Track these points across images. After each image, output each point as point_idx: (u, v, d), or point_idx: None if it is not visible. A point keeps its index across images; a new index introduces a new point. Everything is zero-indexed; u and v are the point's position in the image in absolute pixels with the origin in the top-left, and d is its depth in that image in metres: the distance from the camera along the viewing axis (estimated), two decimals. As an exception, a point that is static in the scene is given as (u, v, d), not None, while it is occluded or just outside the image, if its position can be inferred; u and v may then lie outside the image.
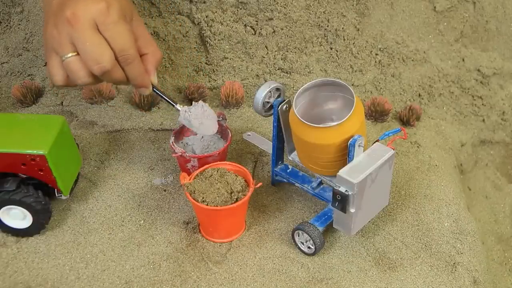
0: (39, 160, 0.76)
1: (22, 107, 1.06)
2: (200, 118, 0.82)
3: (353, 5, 1.08)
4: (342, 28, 1.08)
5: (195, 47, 1.09)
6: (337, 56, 1.10)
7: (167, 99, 0.82)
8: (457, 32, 1.14)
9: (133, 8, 0.78)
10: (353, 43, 1.09)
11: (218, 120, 0.91)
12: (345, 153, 0.74)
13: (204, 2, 1.05)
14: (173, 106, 0.82)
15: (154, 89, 0.80)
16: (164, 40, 1.08)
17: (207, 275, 0.76)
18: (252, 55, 1.09)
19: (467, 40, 1.15)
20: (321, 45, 1.09)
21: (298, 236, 0.79)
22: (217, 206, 0.76)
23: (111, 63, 0.70)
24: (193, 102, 0.83)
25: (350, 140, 0.72)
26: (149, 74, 0.78)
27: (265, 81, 1.08)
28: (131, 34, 0.73)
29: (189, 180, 0.79)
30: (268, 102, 0.81)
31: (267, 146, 0.89)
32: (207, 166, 0.81)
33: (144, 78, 0.77)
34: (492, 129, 1.18)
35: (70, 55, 0.70)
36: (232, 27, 1.06)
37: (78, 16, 0.68)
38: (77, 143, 0.87)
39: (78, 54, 0.70)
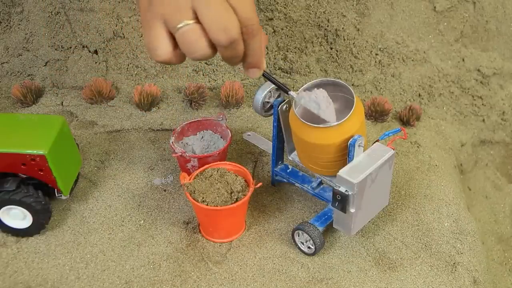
0: (39, 160, 0.76)
1: (22, 107, 1.06)
2: (325, 102, 0.75)
3: (353, 5, 1.08)
4: (342, 28, 1.08)
5: (195, 47, 1.09)
6: (337, 56, 1.10)
7: (279, 83, 0.75)
8: (457, 32, 1.14)
9: None
10: (353, 43, 1.09)
11: (218, 120, 0.91)
12: (345, 153, 0.74)
13: (204, 2, 1.05)
14: (286, 92, 0.75)
15: (264, 72, 0.71)
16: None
17: (207, 275, 0.76)
18: (252, 55, 1.08)
19: (467, 40, 1.15)
20: (321, 45, 1.09)
21: (298, 236, 0.79)
22: (217, 206, 0.76)
23: (238, 33, 0.62)
24: (310, 90, 0.76)
25: (350, 140, 0.72)
26: (264, 52, 0.69)
27: (265, 81, 1.08)
28: (254, 6, 0.64)
29: (189, 180, 0.79)
30: (268, 102, 0.81)
31: (267, 146, 0.89)
32: (207, 166, 0.81)
33: (262, 56, 0.68)
34: (492, 129, 1.19)
35: (188, 22, 0.61)
36: (232, 27, 1.06)
37: None
38: (77, 143, 0.87)
39: (197, 22, 0.61)
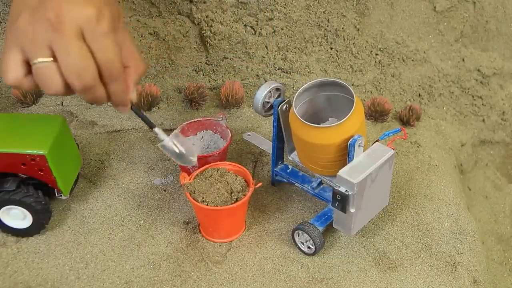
0: (39, 160, 0.76)
1: (22, 107, 1.06)
2: (185, 146, 0.74)
3: (353, 5, 1.08)
4: (342, 28, 1.08)
5: (195, 47, 1.09)
6: (337, 56, 1.10)
7: (145, 120, 0.73)
8: (457, 32, 1.14)
9: (121, 14, 0.69)
10: (353, 43, 1.09)
11: (218, 120, 0.91)
12: (345, 153, 0.74)
13: (204, 2, 1.05)
14: (151, 128, 0.73)
15: (132, 107, 0.70)
16: (164, 40, 1.08)
17: (207, 275, 0.76)
18: (252, 55, 1.09)
19: (467, 40, 1.15)
20: (321, 45, 1.09)
21: (298, 236, 0.79)
22: (217, 206, 0.76)
23: (94, 79, 0.62)
24: (174, 132, 0.75)
25: (350, 140, 0.72)
26: (129, 90, 0.69)
27: (265, 81, 1.09)
28: (119, 48, 0.64)
29: (189, 180, 0.79)
30: (268, 102, 0.81)
31: (267, 146, 0.89)
32: (207, 166, 0.81)
33: (125, 96, 0.68)
34: (492, 129, 1.19)
35: (45, 60, 0.61)
36: (232, 27, 1.06)
37: (63, 20, 0.59)
38: (77, 143, 0.87)
39: (54, 60, 0.61)
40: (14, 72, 0.62)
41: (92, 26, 0.60)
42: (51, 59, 0.61)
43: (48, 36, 0.60)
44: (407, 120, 1.06)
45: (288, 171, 0.87)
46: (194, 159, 0.73)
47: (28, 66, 0.62)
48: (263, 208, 0.86)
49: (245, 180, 0.80)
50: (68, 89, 0.63)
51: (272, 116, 0.81)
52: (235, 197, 0.77)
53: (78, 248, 0.80)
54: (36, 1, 0.61)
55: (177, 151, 0.72)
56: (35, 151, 0.75)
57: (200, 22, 1.07)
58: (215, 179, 0.79)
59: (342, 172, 0.71)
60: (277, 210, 0.86)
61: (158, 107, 1.05)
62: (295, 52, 1.09)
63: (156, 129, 0.72)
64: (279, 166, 0.87)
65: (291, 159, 0.85)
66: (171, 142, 0.72)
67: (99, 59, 0.62)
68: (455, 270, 0.78)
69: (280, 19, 1.06)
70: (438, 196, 0.89)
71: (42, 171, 0.77)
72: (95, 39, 0.61)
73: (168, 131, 1.00)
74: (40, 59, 0.61)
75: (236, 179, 0.79)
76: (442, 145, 1.05)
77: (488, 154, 1.20)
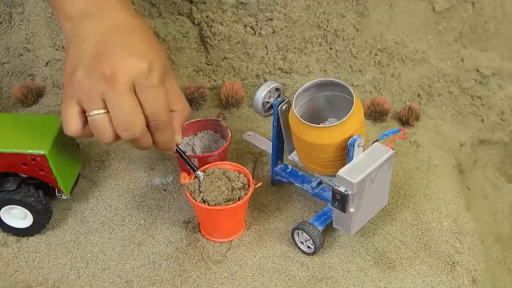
0: (40, 160, 0.76)
1: (23, 107, 1.07)
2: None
3: (352, 6, 1.08)
4: (342, 29, 1.08)
5: (195, 47, 1.10)
6: (336, 56, 1.10)
7: (190, 162, 0.78)
8: (456, 33, 1.14)
9: (168, 63, 0.72)
10: (353, 43, 1.09)
11: (218, 120, 0.91)
12: (344, 153, 0.74)
13: (204, 3, 1.05)
14: (194, 171, 0.78)
15: (177, 150, 0.76)
16: (164, 40, 1.08)
17: (207, 275, 0.76)
18: (252, 55, 1.09)
19: (466, 40, 1.15)
20: (320, 45, 1.09)
21: (298, 236, 0.79)
22: (217, 206, 0.76)
23: (141, 131, 0.66)
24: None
25: (350, 140, 0.72)
26: (175, 133, 0.73)
27: (265, 81, 1.09)
28: (167, 99, 0.67)
29: (189, 180, 0.79)
30: (268, 102, 0.81)
31: (267, 146, 0.89)
32: (207, 166, 0.82)
33: (171, 143, 0.72)
34: (491, 129, 1.19)
35: (99, 112, 0.65)
36: (232, 27, 1.07)
37: (117, 74, 0.63)
38: (77, 143, 0.87)
39: (107, 111, 0.65)
40: (74, 124, 0.68)
41: (143, 80, 0.64)
42: (104, 110, 0.65)
43: (103, 90, 0.64)
44: (406, 120, 1.06)
45: (288, 171, 0.87)
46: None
47: (85, 117, 0.67)
48: (263, 208, 0.86)
49: (245, 180, 0.80)
50: (118, 139, 0.68)
51: (272, 116, 0.81)
52: (235, 197, 0.78)
53: (79, 248, 0.80)
54: (91, 57, 0.65)
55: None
56: (35, 151, 0.75)
57: (200, 22, 1.07)
58: (215, 179, 0.79)
59: (342, 171, 0.71)
60: (277, 210, 0.86)
61: (158, 107, 1.05)
62: (295, 52, 1.09)
63: (199, 173, 0.78)
64: (279, 166, 0.88)
65: (290, 159, 0.85)
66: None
67: (147, 111, 0.65)
68: (454, 270, 0.78)
69: (280, 20, 1.06)
70: (437, 195, 0.89)
71: (43, 171, 0.77)
72: (145, 92, 0.65)
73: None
74: (95, 111, 0.65)
75: (236, 179, 0.79)
76: (441, 145, 1.05)
77: (487, 154, 1.20)
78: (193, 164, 0.78)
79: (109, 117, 0.65)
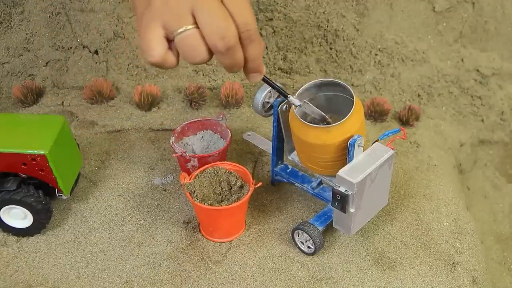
0: (40, 160, 0.76)
1: (23, 107, 1.07)
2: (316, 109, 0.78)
3: (352, 6, 1.08)
4: (342, 29, 1.08)
5: (195, 47, 1.09)
6: (336, 56, 1.10)
7: (279, 88, 0.76)
8: (456, 33, 1.14)
9: None
10: (353, 44, 1.09)
11: (218, 120, 0.91)
12: (344, 153, 0.74)
13: (204, 3, 1.05)
14: (286, 97, 0.76)
15: (265, 77, 0.73)
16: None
17: (207, 275, 0.76)
18: (252, 55, 1.09)
19: (466, 41, 1.15)
20: (320, 45, 1.09)
21: (298, 236, 0.79)
22: (217, 206, 0.76)
23: (236, 39, 0.63)
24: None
25: (350, 140, 0.72)
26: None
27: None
28: (252, 9, 0.64)
29: (189, 180, 0.79)
30: (268, 102, 0.81)
31: (267, 146, 0.89)
32: (207, 166, 0.82)
33: (261, 61, 0.68)
34: (491, 129, 1.19)
35: (188, 27, 0.62)
36: (232, 27, 1.06)
37: None
38: (77, 143, 0.87)
39: (197, 26, 0.62)
40: (159, 48, 0.63)
41: None
42: (194, 25, 0.62)
43: (191, 4, 0.61)
44: (406, 120, 1.06)
45: (288, 171, 0.87)
46: (328, 118, 0.77)
47: (167, 42, 0.64)
48: (263, 208, 0.86)
49: (245, 180, 0.80)
50: (211, 55, 0.64)
51: (272, 116, 0.81)
52: (236, 196, 0.78)
53: (79, 248, 0.80)
54: None
55: (314, 110, 0.76)
56: (35, 151, 0.75)
57: (200, 22, 1.07)
58: (215, 179, 0.79)
59: (342, 172, 0.71)
60: (277, 210, 0.86)
61: (158, 107, 1.05)
62: (295, 52, 1.09)
63: (290, 97, 0.75)
64: (279, 166, 0.88)
65: (291, 159, 0.85)
66: (307, 104, 0.76)
67: (237, 20, 0.63)
68: (454, 270, 0.78)
69: (280, 20, 1.06)
70: (437, 195, 0.89)
71: (43, 171, 0.77)
72: (232, 1, 0.62)
73: (167, 131, 1.01)
74: (184, 27, 0.62)
75: (236, 178, 0.79)
76: (441, 145, 1.05)
77: (487, 154, 1.20)
78: (283, 90, 0.76)
79: (199, 31, 0.62)
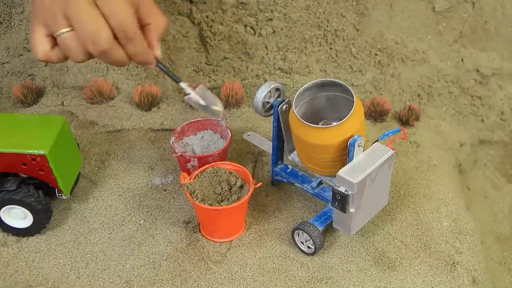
0: (40, 160, 0.76)
1: (23, 107, 1.07)
2: (208, 99, 0.77)
3: (352, 6, 1.08)
4: (342, 29, 1.08)
5: (195, 47, 1.10)
6: (336, 56, 1.10)
7: (171, 75, 0.75)
8: (456, 33, 1.14)
9: None
10: (353, 43, 1.09)
11: (218, 120, 0.91)
12: (344, 153, 0.74)
13: (204, 3, 1.05)
14: (177, 82, 0.75)
15: (158, 64, 0.72)
16: (164, 40, 1.08)
17: (207, 275, 0.76)
18: (252, 55, 1.09)
19: (466, 41, 1.15)
20: (320, 45, 1.09)
21: (298, 236, 0.79)
22: (217, 206, 0.76)
23: (108, 42, 0.64)
24: (199, 86, 0.77)
25: (350, 140, 0.72)
26: (152, 47, 0.70)
27: (265, 81, 1.09)
28: (130, 8, 0.66)
29: (189, 180, 0.79)
30: (268, 102, 0.81)
31: (267, 146, 0.89)
32: (207, 166, 0.82)
33: (147, 55, 0.69)
34: (491, 129, 1.19)
35: (64, 30, 0.64)
36: (232, 27, 1.07)
37: None
38: (77, 143, 0.87)
39: (73, 29, 0.64)
40: (41, 47, 0.67)
41: None
42: (70, 28, 0.64)
43: (63, 7, 0.63)
44: (406, 120, 1.06)
45: (288, 171, 0.87)
46: (218, 109, 0.76)
47: (54, 40, 0.66)
48: (263, 208, 0.86)
49: (245, 180, 0.80)
50: (91, 56, 0.66)
51: (272, 116, 0.81)
52: (235, 196, 0.78)
53: (79, 248, 0.80)
54: None
55: (202, 103, 0.75)
56: (35, 151, 0.75)
57: (200, 22, 1.07)
58: (215, 179, 0.79)
59: (342, 172, 0.71)
60: (277, 210, 0.86)
61: (158, 107, 1.05)
62: (295, 52, 1.09)
63: (182, 84, 0.75)
64: (279, 166, 0.88)
65: (291, 159, 0.85)
66: (197, 96, 0.75)
67: (111, 21, 0.64)
68: (454, 270, 0.78)
69: (280, 20, 1.06)
70: (437, 195, 0.89)
71: (43, 171, 0.77)
72: (105, 2, 0.63)
73: (167, 131, 1.01)
74: (62, 30, 0.64)
75: (236, 178, 0.79)
76: (441, 145, 1.05)
77: (487, 154, 1.20)
78: (175, 76, 0.75)
79: (75, 34, 0.64)
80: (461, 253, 0.80)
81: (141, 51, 0.68)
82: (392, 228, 0.83)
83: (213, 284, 0.75)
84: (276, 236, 0.82)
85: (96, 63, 1.10)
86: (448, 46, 1.14)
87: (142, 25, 0.69)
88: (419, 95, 1.12)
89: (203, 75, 1.11)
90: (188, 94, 0.75)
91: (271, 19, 1.06)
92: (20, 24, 1.11)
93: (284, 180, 0.87)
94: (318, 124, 0.76)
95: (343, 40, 1.09)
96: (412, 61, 1.12)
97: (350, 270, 0.77)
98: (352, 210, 0.72)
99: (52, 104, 1.07)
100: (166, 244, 0.80)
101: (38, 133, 0.78)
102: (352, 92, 0.74)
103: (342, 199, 0.71)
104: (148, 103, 1.04)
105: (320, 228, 0.77)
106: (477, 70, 1.15)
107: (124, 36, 0.65)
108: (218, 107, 0.76)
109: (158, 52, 0.71)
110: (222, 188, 0.79)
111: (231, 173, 0.80)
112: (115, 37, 0.65)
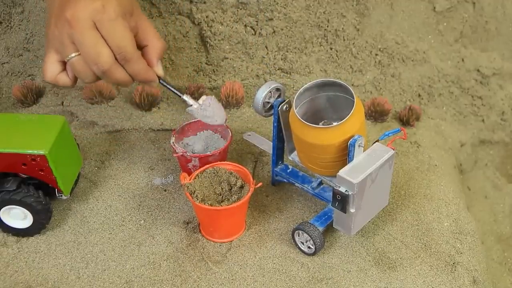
0: (40, 160, 0.76)
1: (23, 107, 1.07)
2: (212, 109, 0.81)
3: (353, 6, 1.08)
4: (342, 29, 1.08)
5: (195, 47, 1.10)
6: (337, 56, 1.10)
7: (175, 90, 0.80)
8: (456, 32, 1.14)
9: (133, 3, 0.77)
10: (353, 43, 1.09)
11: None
12: (345, 153, 0.74)
13: (204, 2, 1.05)
14: (180, 97, 0.80)
15: (161, 81, 0.78)
16: (164, 40, 1.08)
17: (207, 275, 0.76)
18: (252, 55, 1.09)
19: (466, 40, 1.15)
20: (321, 45, 1.09)
21: (298, 236, 0.79)
22: (217, 206, 0.76)
23: (108, 63, 0.71)
24: (203, 97, 0.81)
25: (350, 140, 0.72)
26: (152, 66, 0.77)
27: (265, 81, 1.09)
28: (128, 30, 0.72)
29: (189, 180, 0.79)
30: (268, 102, 0.81)
31: (267, 146, 0.89)
32: (207, 166, 0.82)
33: (147, 73, 0.76)
34: (492, 129, 1.19)
35: (73, 55, 0.72)
36: (232, 27, 1.07)
37: (77, 16, 0.69)
38: (77, 143, 0.87)
39: (80, 54, 0.71)
40: (51, 69, 0.75)
41: (100, 15, 0.70)
42: (78, 53, 0.71)
43: (69, 33, 0.70)
44: (407, 120, 1.06)
45: (288, 171, 0.87)
46: (220, 122, 0.82)
47: (64, 65, 0.75)
48: (263, 208, 0.86)
49: (245, 180, 0.80)
50: (98, 77, 0.73)
51: (272, 116, 0.81)
52: (236, 196, 0.78)
53: (79, 248, 0.80)
54: (57, 8, 0.73)
55: (203, 115, 0.81)
56: (35, 151, 0.75)
57: (200, 22, 1.07)
58: (215, 179, 0.79)
59: (342, 172, 0.71)
60: (277, 210, 0.86)
61: (158, 107, 1.05)
62: (295, 52, 1.09)
63: (185, 96, 0.80)
64: (279, 166, 0.88)
65: (291, 159, 0.85)
66: (199, 109, 0.80)
67: (111, 44, 0.71)
68: (455, 270, 0.78)
69: (280, 19, 1.06)
70: (438, 196, 0.89)
71: (43, 171, 0.77)
72: (103, 25, 0.70)
73: (168, 131, 1.01)
74: (70, 55, 0.72)
75: (236, 179, 0.79)
76: (442, 145, 1.05)
77: (487, 154, 1.20)
78: (178, 91, 0.80)
79: (82, 57, 0.71)
80: (461, 253, 0.80)
81: (141, 70, 0.75)
82: (392, 229, 0.83)
83: (213, 285, 0.75)
84: (276, 237, 0.82)
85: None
86: (449, 46, 1.14)
87: (142, 47, 0.77)
88: (419, 95, 1.12)
89: (203, 75, 1.11)
90: (191, 105, 0.80)
91: (271, 19, 1.06)
92: (20, 24, 1.11)
93: (285, 180, 0.87)
94: (318, 124, 0.76)
95: (344, 40, 1.09)
96: (413, 61, 1.12)
97: (350, 271, 0.77)
98: (352, 210, 0.72)
99: (52, 104, 1.07)
100: (166, 245, 0.80)
101: (38, 133, 0.78)
102: (353, 92, 0.74)
103: (342, 199, 0.71)
104: (148, 103, 1.04)
105: (321, 229, 0.77)
106: (478, 70, 1.15)
107: (123, 57, 0.72)
108: (220, 119, 0.81)
109: (159, 70, 0.78)
110: (222, 188, 0.79)
111: (231, 173, 0.80)
112: (117, 59, 0.72)
